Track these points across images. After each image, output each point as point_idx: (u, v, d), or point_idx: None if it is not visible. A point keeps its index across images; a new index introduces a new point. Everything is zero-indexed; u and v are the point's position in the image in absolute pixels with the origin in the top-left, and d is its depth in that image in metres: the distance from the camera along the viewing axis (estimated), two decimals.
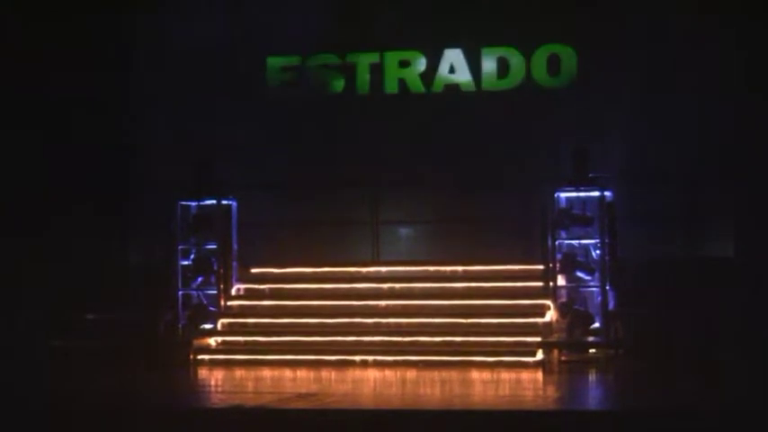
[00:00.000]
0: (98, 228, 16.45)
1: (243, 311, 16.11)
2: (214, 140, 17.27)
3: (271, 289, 16.28)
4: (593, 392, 13.27)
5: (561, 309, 14.93)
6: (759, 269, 14.77)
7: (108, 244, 16.68)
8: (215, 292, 16.01)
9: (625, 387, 13.42)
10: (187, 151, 17.22)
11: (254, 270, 16.45)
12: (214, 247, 16.06)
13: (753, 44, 15.53)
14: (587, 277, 15.13)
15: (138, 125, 17.63)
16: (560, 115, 16.57)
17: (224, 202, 16.16)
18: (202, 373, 14.91)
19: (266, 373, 14.60)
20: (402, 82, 17.15)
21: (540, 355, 14.54)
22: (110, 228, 16.81)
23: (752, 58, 15.56)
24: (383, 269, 16.30)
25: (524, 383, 13.57)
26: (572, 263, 15.12)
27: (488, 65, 16.91)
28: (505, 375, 14.01)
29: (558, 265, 15.13)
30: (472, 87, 16.94)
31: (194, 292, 16.11)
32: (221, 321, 15.84)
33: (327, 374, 14.27)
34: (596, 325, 14.99)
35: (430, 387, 13.38)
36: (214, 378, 14.54)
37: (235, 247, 16.23)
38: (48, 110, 16.42)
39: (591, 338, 14.98)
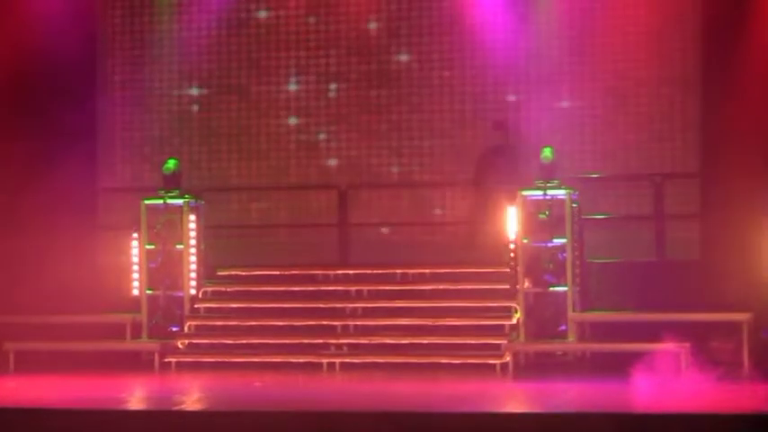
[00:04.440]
0: (65, 229, 16.36)
1: (210, 313, 16.08)
2: (181, 140, 17.33)
3: (238, 291, 16.25)
4: (560, 395, 13.29)
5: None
6: (724, 272, 14.83)
7: (75, 245, 16.58)
8: (182, 294, 15.96)
9: (593, 389, 13.44)
10: (154, 152, 17.27)
11: (221, 272, 16.42)
12: (181, 248, 16.00)
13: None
14: (554, 280, 15.15)
15: (106, 121, 17.67)
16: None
17: (191, 203, 16.11)
18: (169, 375, 14.88)
19: (234, 375, 14.59)
20: None
21: (506, 358, 14.59)
22: (77, 228, 16.72)
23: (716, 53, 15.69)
24: (351, 271, 16.29)
25: (491, 385, 13.60)
26: (538, 265, 15.14)
27: None
28: (472, 377, 14.04)
29: (524, 267, 15.14)
30: None
31: (161, 294, 16.03)
32: (188, 323, 15.81)
33: (295, 376, 14.29)
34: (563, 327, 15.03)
35: (395, 388, 13.39)
36: (181, 380, 14.52)
37: (202, 248, 16.18)
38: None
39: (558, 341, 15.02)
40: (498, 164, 16.27)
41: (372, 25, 17.21)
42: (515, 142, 16.49)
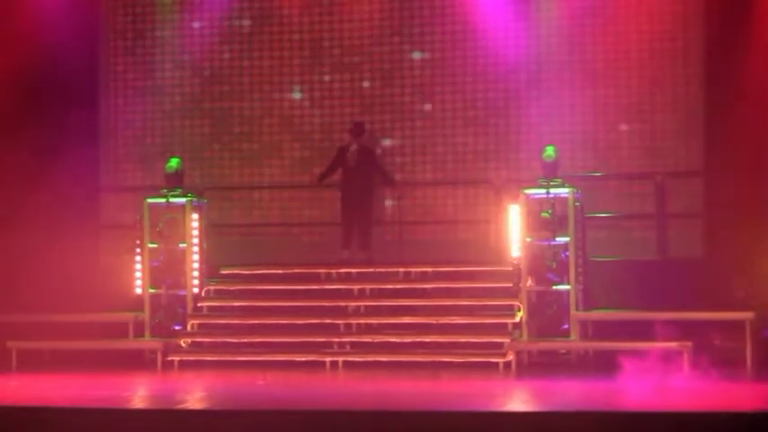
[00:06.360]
0: (67, 227, 16.37)
1: (213, 312, 16.08)
2: (183, 139, 17.37)
3: (241, 289, 16.25)
4: (563, 393, 13.29)
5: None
6: (727, 270, 14.83)
7: (77, 244, 16.59)
8: (185, 292, 15.96)
9: (595, 388, 13.43)
10: (157, 151, 17.30)
11: (223, 271, 16.42)
12: (184, 246, 16.00)
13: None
14: (556, 278, 15.16)
15: (109, 121, 17.70)
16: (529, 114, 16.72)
17: (194, 201, 16.11)
18: (172, 374, 14.89)
19: (237, 373, 14.59)
20: None
21: (510, 356, 14.59)
22: (79, 227, 16.72)
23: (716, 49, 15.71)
24: (353, 270, 16.28)
25: (494, 384, 13.60)
26: (541, 264, 15.14)
27: None
28: (474, 376, 14.04)
29: (527, 265, 15.13)
30: None
31: (164, 293, 16.03)
32: (191, 322, 15.81)
33: (298, 375, 14.29)
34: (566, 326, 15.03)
35: (397, 386, 13.39)
36: (184, 379, 14.53)
37: (204, 246, 16.18)
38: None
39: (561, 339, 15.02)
40: (349, 164, 16.37)
41: (376, 26, 17.22)
42: (369, 145, 16.59)
